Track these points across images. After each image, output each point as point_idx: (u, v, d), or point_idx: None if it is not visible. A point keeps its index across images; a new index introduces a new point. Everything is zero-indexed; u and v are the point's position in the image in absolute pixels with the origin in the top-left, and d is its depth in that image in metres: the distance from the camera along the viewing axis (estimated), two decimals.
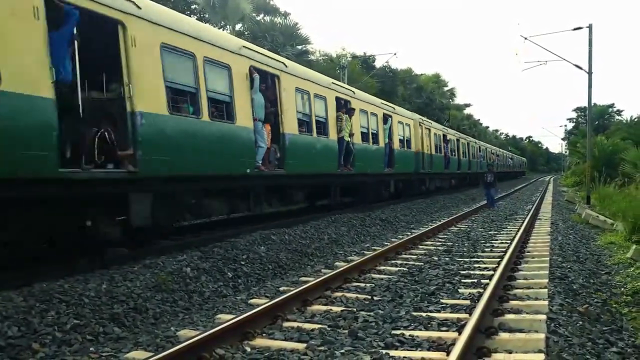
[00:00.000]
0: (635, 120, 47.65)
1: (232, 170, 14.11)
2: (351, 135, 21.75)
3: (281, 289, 10.06)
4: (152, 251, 11.74)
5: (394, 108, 29.76)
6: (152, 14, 11.40)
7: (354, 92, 23.65)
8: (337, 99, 21.27)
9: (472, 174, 50.44)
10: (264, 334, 7.21)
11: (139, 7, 10.93)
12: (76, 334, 7.40)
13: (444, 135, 40.96)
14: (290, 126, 17.15)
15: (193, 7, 40.33)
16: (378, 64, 56.15)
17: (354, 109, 22.12)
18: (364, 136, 24.07)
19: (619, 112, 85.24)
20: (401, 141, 29.73)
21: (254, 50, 15.90)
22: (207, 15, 38.88)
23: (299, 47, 41.47)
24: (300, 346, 6.65)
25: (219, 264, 11.45)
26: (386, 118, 27.24)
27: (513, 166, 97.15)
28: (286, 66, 17.50)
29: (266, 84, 16.49)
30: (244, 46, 15.36)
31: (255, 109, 15.16)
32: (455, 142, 44.81)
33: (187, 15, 34.40)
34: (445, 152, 39.87)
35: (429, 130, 36.17)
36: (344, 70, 43.58)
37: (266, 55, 16.63)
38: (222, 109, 13.96)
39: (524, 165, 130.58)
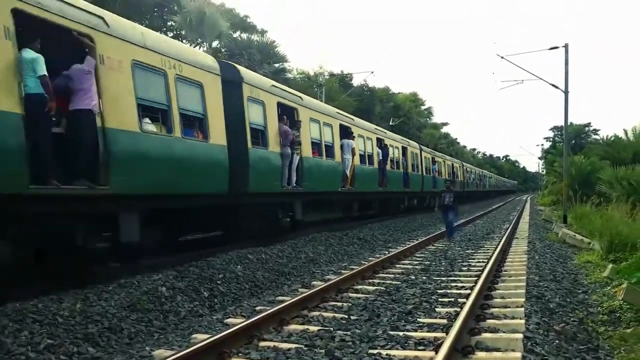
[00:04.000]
0: (612, 139, 48.03)
1: (272, 189, 17.42)
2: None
3: (258, 308, 9.98)
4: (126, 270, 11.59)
5: (385, 132, 32.38)
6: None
7: (353, 120, 26.32)
8: (341, 126, 23.85)
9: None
10: (240, 354, 7.14)
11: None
12: (50, 354, 7.26)
13: (433, 158, 44.57)
14: (306, 151, 19.69)
15: (169, 24, 40.25)
16: (355, 82, 56.51)
17: (354, 135, 24.69)
18: (362, 158, 26.30)
19: (595, 131, 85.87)
20: (392, 161, 31.69)
21: (280, 88, 18.95)
22: (183, 32, 38.80)
23: (276, 65, 41.38)
24: None
25: (195, 283, 11.35)
26: (379, 141, 29.74)
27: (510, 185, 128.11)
28: (302, 99, 20.39)
29: (287, 115, 18.72)
30: (274, 85, 18.48)
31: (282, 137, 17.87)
32: (442, 163, 49.49)
33: (163, 33, 34.43)
34: (433, 174, 43.01)
35: (434, 158, 42.31)
36: (321, 88, 43.58)
37: (288, 92, 19.48)
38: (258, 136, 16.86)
39: (515, 185, 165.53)
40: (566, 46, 31.72)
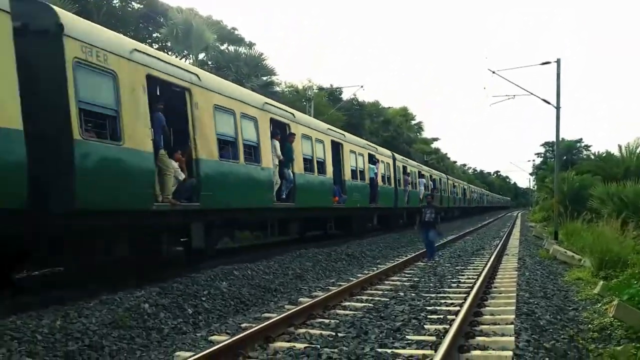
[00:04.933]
0: (603, 155, 48.17)
1: (258, 204, 17.04)
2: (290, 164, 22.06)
3: (243, 325, 9.84)
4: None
5: (376, 148, 32.51)
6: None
7: (344, 136, 26.68)
8: (332, 142, 24.32)
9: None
10: None
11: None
12: None
13: (422, 173, 44.93)
14: (298, 167, 20.16)
15: (155, 35, 40.10)
16: (345, 96, 56.36)
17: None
18: (353, 174, 26.71)
19: (586, 147, 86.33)
20: (382, 178, 31.97)
21: (273, 105, 19.00)
22: (169, 44, 38.67)
23: (264, 78, 41.19)
24: None
25: (179, 299, 11.18)
26: (371, 157, 30.19)
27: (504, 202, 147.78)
28: (294, 116, 20.73)
29: (280, 131, 19.32)
30: (265, 102, 18.31)
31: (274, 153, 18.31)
32: (438, 180, 51.79)
33: (148, 44, 34.43)
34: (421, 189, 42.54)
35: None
36: (310, 102, 43.49)
37: (281, 109, 19.70)
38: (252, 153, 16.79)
39: (509, 202, 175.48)
40: (558, 61, 31.47)
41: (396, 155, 37.65)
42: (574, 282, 15.70)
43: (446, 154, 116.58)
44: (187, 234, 14.18)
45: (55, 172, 9.94)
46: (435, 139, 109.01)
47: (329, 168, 23.29)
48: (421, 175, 44.55)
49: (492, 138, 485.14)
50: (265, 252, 18.39)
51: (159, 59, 12.77)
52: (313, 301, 11.07)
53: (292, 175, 19.54)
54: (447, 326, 9.06)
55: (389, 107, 77.30)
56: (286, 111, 20.11)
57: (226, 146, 15.15)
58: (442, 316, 10.30)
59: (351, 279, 15.35)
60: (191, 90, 13.53)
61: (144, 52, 12.22)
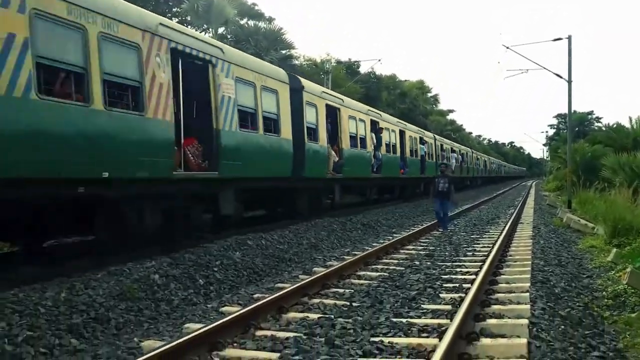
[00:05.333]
0: (614, 126, 47.97)
1: (317, 175, 20.50)
2: (379, 147, 27.97)
3: (255, 296, 9.74)
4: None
5: (424, 132, 38.43)
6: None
7: (381, 115, 30.62)
8: (372, 122, 27.64)
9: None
10: (235, 344, 6.92)
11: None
12: (28, 346, 6.95)
13: (454, 149, 53.13)
14: (346, 144, 23.32)
15: (175, 10, 39.96)
16: (362, 70, 56.32)
17: (382, 128, 28.80)
18: (388, 148, 30.14)
19: (597, 119, 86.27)
20: (411, 151, 35.67)
21: (328, 93, 23.09)
22: (189, 19, 38.53)
23: (283, 51, 41.11)
24: (274, 356, 6.41)
25: (190, 270, 11.10)
26: (421, 139, 35.73)
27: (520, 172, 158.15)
28: (343, 101, 24.06)
29: (331, 114, 22.48)
30: (323, 91, 22.64)
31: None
32: (466, 154, 60.57)
33: (168, 18, 34.31)
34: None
35: (442, 145, 47.18)
36: (328, 75, 43.41)
37: (333, 95, 23.54)
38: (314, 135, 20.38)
39: (525, 172, 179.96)
40: (569, 38, 32.15)
41: (436, 137, 45.61)
42: (587, 250, 15.77)
43: (461, 125, 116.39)
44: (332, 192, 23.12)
45: (300, 158, 18.66)
46: (451, 111, 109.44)
47: (369, 143, 26.51)
48: (453, 151, 52.50)
49: (507, 110, 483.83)
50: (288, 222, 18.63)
51: None
52: (327, 271, 11.01)
53: (380, 155, 27.53)
54: (463, 295, 8.99)
55: (406, 80, 77.71)
56: (336, 97, 23.71)
57: (269, 122, 17.01)
58: (457, 285, 10.24)
59: (366, 248, 15.33)
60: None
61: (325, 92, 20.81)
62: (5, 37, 8.40)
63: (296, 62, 46.13)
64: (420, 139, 38.61)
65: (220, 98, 14.04)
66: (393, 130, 31.48)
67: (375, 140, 27.13)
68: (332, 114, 22.67)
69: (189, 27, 35.95)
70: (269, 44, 38.91)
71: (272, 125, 17.16)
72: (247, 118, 15.70)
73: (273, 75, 17.75)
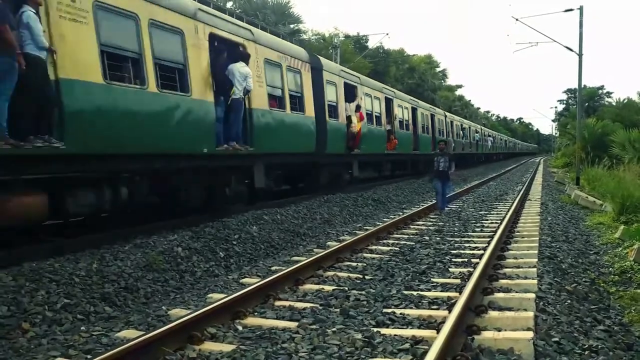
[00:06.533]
0: (625, 102, 47.64)
1: (337, 151, 21.57)
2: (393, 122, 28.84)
3: (273, 268, 10.04)
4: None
5: (417, 102, 37.14)
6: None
7: (394, 93, 31.11)
8: (386, 99, 28.34)
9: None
10: (255, 313, 7.22)
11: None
12: (67, 313, 7.40)
13: (477, 130, 59.97)
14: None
15: None
16: (371, 44, 56.04)
17: (395, 106, 29.60)
18: (401, 124, 30.83)
19: (608, 94, 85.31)
20: (423, 127, 36.44)
21: (345, 71, 23.92)
22: None
23: (291, 25, 40.92)
24: (292, 325, 6.66)
25: (211, 243, 11.47)
26: (414, 109, 34.59)
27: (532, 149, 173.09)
28: (360, 79, 25.04)
29: (349, 92, 23.14)
30: (342, 70, 23.70)
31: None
32: (488, 134, 68.08)
33: None
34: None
35: (452, 122, 47.64)
36: (336, 50, 43.33)
37: (350, 73, 24.31)
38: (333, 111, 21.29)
39: (536, 149, 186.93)
40: (581, 8, 31.41)
41: (460, 118, 50.96)
42: (595, 227, 15.78)
43: (470, 100, 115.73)
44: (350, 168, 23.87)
45: (322, 135, 19.52)
46: (459, 86, 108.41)
47: (384, 120, 27.45)
48: (476, 132, 59.40)
49: (516, 85, 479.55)
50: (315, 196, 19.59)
51: None
52: (341, 245, 11.24)
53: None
54: (472, 269, 9.15)
55: (414, 55, 76.89)
56: (353, 75, 24.56)
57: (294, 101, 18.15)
58: (466, 259, 10.44)
59: (377, 223, 15.55)
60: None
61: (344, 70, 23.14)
62: None
63: (304, 36, 45.95)
64: (432, 115, 39.41)
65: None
66: (406, 108, 32.22)
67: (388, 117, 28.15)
68: (350, 92, 23.20)
69: (197, 1, 36.19)
70: (276, 18, 38.68)
71: (297, 103, 18.20)
72: (275, 97, 16.84)
73: (296, 55, 18.58)
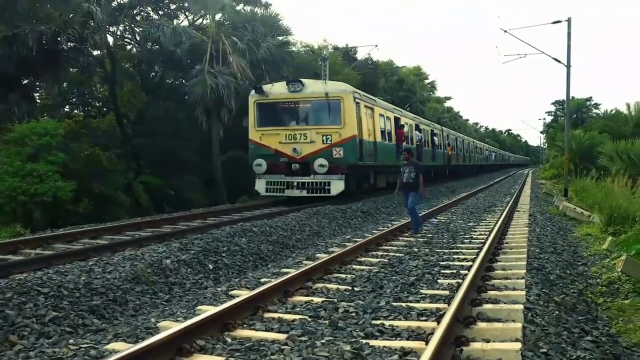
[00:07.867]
0: (612, 113, 47.96)
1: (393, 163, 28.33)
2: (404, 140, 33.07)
3: (262, 280, 9.98)
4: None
5: (419, 118, 41.54)
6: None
7: (401, 112, 35.55)
8: (395, 118, 32.40)
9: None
10: (244, 325, 7.21)
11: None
12: (55, 325, 7.39)
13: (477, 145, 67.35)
14: (378, 137, 28.39)
15: None
16: (359, 56, 56.19)
17: (403, 125, 33.52)
18: (410, 141, 35.16)
19: (596, 105, 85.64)
20: (426, 142, 40.28)
21: (397, 109, 33.99)
22: (186, 5, 38.59)
23: (280, 38, 41.01)
24: (281, 336, 6.65)
25: (200, 255, 11.46)
26: (417, 126, 38.61)
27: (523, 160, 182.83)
28: (376, 102, 29.41)
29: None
30: (394, 108, 33.39)
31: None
32: (485, 148, 75.59)
33: (165, 5, 35.13)
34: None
35: (448, 134, 51.44)
36: (325, 62, 43.42)
37: (371, 98, 29.07)
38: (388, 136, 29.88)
39: (527, 160, 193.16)
40: (569, 20, 31.58)
41: (444, 128, 51.30)
42: (583, 238, 15.91)
43: (458, 112, 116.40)
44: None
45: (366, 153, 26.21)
46: (448, 98, 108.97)
47: (394, 136, 31.63)
48: (476, 147, 66.68)
49: (504, 97, 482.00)
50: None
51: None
52: (330, 256, 11.21)
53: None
54: (460, 281, 9.16)
55: (403, 67, 77.02)
56: (369, 98, 29.38)
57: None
58: (455, 271, 10.44)
59: (366, 235, 15.49)
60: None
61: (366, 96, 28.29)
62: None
63: (293, 48, 46.11)
64: (432, 131, 43.45)
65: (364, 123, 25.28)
66: (410, 124, 36.37)
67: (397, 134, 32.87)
68: (397, 122, 31.87)
69: (187, 12, 38.61)
70: (266, 30, 38.75)
71: (386, 135, 29.16)
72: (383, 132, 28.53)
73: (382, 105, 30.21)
